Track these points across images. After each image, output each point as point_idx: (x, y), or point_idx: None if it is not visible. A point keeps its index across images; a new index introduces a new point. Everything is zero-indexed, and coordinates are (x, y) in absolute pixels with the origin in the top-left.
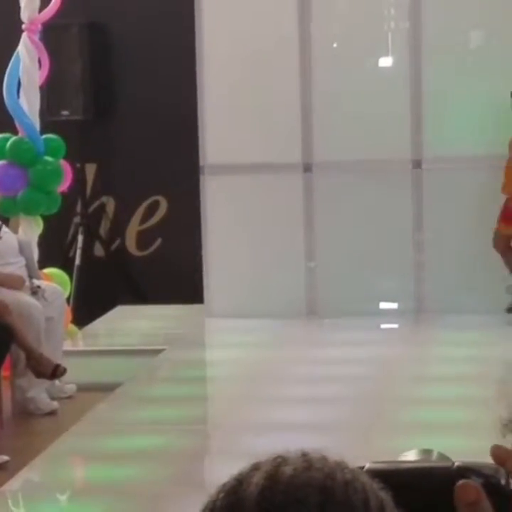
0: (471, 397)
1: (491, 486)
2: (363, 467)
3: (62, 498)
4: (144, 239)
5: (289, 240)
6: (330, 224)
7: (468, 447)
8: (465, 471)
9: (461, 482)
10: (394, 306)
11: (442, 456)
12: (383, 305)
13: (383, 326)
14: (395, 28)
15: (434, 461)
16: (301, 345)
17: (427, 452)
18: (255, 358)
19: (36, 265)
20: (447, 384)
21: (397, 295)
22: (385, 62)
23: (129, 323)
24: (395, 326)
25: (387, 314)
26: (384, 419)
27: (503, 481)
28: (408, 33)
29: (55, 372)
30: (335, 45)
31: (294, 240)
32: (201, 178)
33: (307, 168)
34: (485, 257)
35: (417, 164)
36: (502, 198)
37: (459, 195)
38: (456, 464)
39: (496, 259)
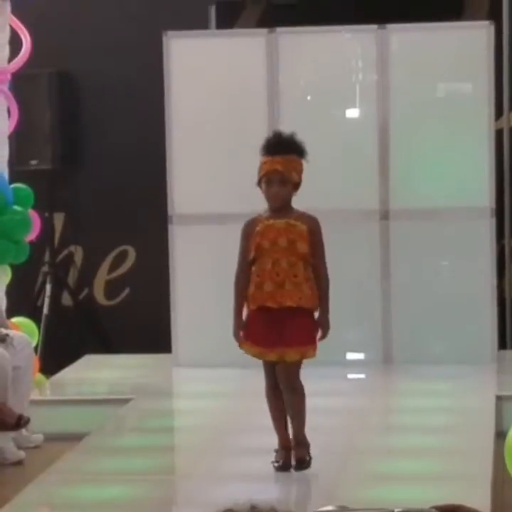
0: (440, 448)
1: None
2: None
3: None
4: (113, 288)
5: None
6: None
7: (435, 497)
8: None
9: None
10: (361, 356)
11: None
12: (350, 355)
13: (350, 376)
14: (362, 80)
15: (373, 509)
16: None
17: (343, 508)
18: (223, 407)
19: (4, 314)
20: (415, 434)
21: (364, 345)
22: (353, 113)
23: (97, 372)
24: (362, 376)
25: (354, 364)
26: (351, 469)
27: None
28: (376, 84)
29: (19, 422)
30: (308, 97)
31: None
32: (170, 227)
33: None
34: (454, 306)
35: (385, 215)
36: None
37: (427, 245)
38: (396, 510)
39: (465, 309)
